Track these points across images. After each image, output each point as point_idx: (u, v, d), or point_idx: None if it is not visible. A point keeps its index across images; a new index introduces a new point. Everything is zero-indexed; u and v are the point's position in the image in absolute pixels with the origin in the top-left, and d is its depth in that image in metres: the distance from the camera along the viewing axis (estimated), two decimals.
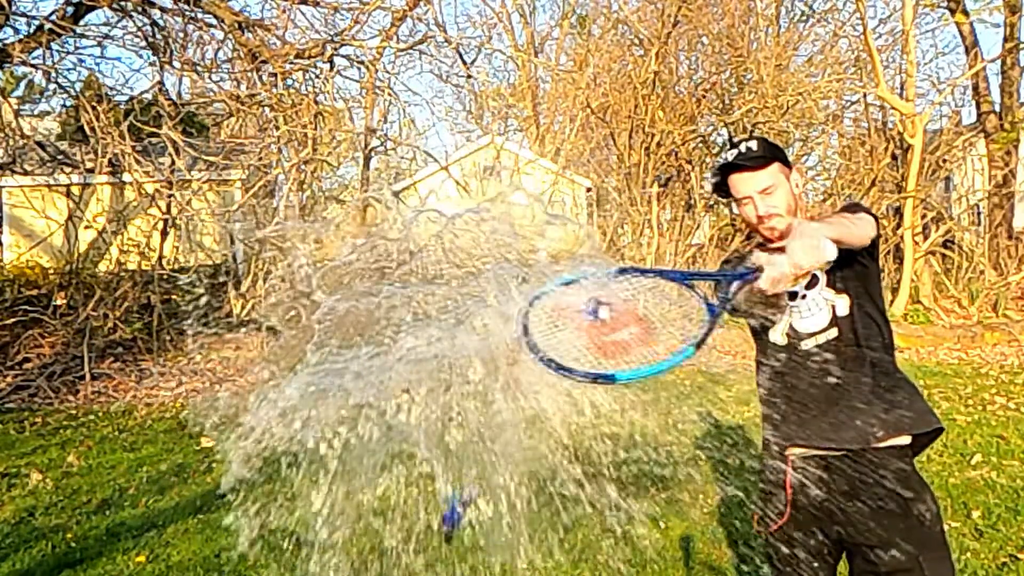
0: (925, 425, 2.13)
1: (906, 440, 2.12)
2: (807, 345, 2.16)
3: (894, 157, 13.54)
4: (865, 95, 14.24)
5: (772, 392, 2.20)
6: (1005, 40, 15.05)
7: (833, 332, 2.14)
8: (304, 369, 1.77)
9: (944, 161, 14.26)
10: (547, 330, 1.64)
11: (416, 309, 1.84)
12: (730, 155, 2.16)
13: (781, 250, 1.74)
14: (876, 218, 2.10)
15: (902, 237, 12.62)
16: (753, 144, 2.16)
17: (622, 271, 1.70)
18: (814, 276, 2.15)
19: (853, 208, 2.11)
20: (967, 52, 15.46)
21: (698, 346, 1.61)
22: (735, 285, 1.74)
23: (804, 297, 2.16)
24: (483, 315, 1.77)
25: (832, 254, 1.71)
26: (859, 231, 1.98)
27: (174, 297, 11.91)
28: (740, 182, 2.16)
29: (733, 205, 2.28)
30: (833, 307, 2.15)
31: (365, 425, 1.76)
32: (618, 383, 1.55)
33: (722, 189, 2.22)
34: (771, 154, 2.15)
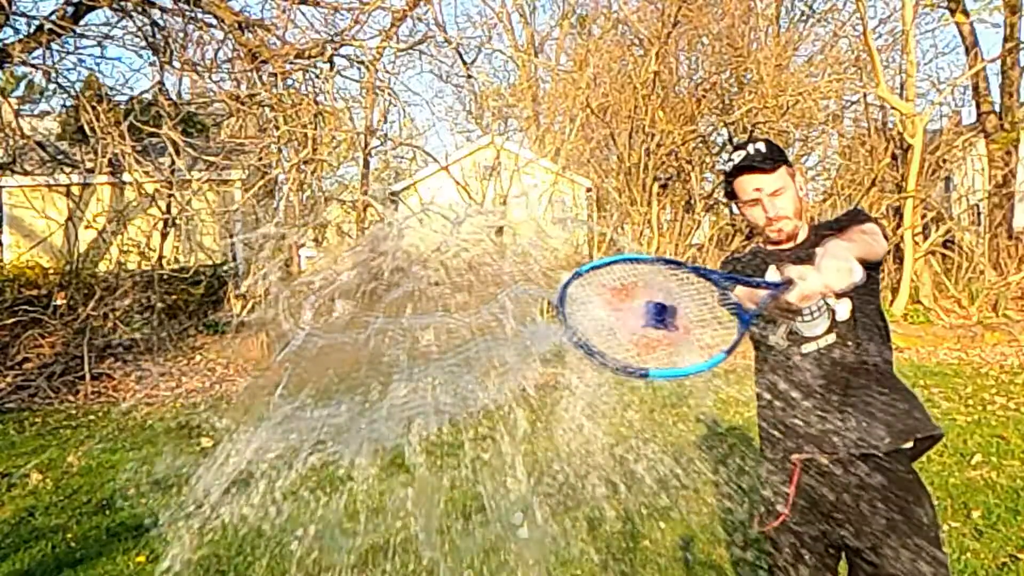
0: (928, 430, 2.14)
1: (909, 444, 2.12)
2: (807, 349, 2.16)
3: (894, 157, 13.53)
4: (865, 95, 14.26)
5: (772, 395, 2.20)
6: (1005, 40, 15.05)
7: (832, 337, 2.14)
8: (266, 425, 1.46)
9: (944, 161, 14.27)
10: (589, 311, 1.57)
11: (412, 346, 1.51)
12: (738, 156, 2.16)
13: (788, 254, 1.71)
14: (885, 232, 2.12)
15: (902, 237, 12.62)
16: (761, 146, 2.16)
17: (660, 260, 1.69)
18: None
19: (858, 217, 2.11)
20: (967, 52, 15.46)
21: (728, 352, 1.59)
22: (766, 296, 1.73)
23: None
24: (499, 353, 1.46)
25: (860, 276, 1.71)
26: (877, 248, 2.02)
27: (174, 297, 11.91)
28: (750, 183, 2.15)
29: (734, 205, 2.28)
30: (833, 312, 2.15)
31: (338, 502, 1.48)
32: (651, 380, 1.51)
33: (730, 190, 2.22)
34: (779, 156, 2.15)
